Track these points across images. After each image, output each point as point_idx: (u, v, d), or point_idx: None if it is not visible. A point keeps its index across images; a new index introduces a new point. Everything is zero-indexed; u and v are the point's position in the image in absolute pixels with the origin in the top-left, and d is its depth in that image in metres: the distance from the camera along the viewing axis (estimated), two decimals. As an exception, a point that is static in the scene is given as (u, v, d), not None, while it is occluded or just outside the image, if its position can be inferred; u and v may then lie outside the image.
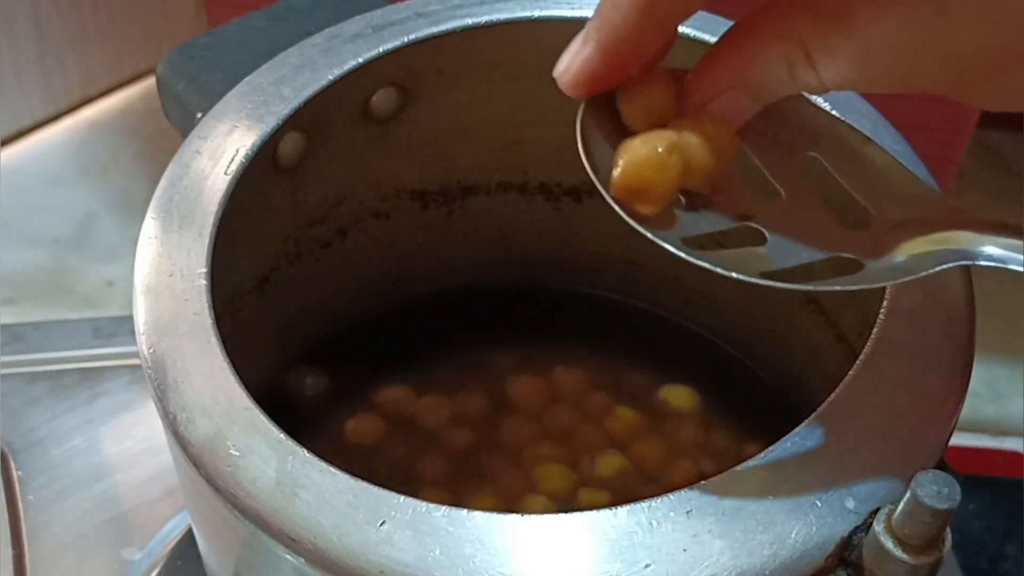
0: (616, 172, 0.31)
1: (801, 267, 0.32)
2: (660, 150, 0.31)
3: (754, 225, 0.32)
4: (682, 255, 0.31)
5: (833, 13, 0.28)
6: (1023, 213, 0.73)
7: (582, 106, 0.33)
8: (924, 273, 0.30)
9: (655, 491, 0.29)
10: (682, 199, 0.32)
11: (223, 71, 0.43)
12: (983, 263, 0.30)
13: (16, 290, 0.69)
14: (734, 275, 0.30)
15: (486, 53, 0.42)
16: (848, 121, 0.34)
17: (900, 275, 0.30)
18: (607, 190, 0.32)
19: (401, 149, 0.44)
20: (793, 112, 0.34)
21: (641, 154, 0.31)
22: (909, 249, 0.31)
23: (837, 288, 0.30)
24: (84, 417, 0.55)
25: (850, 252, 0.32)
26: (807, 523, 0.29)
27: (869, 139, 0.33)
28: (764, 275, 0.31)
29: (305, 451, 0.30)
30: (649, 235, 0.31)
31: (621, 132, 0.32)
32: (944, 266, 0.30)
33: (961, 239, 0.30)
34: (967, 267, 0.35)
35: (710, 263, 0.30)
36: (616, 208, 0.31)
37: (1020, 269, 0.29)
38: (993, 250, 0.29)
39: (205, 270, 0.34)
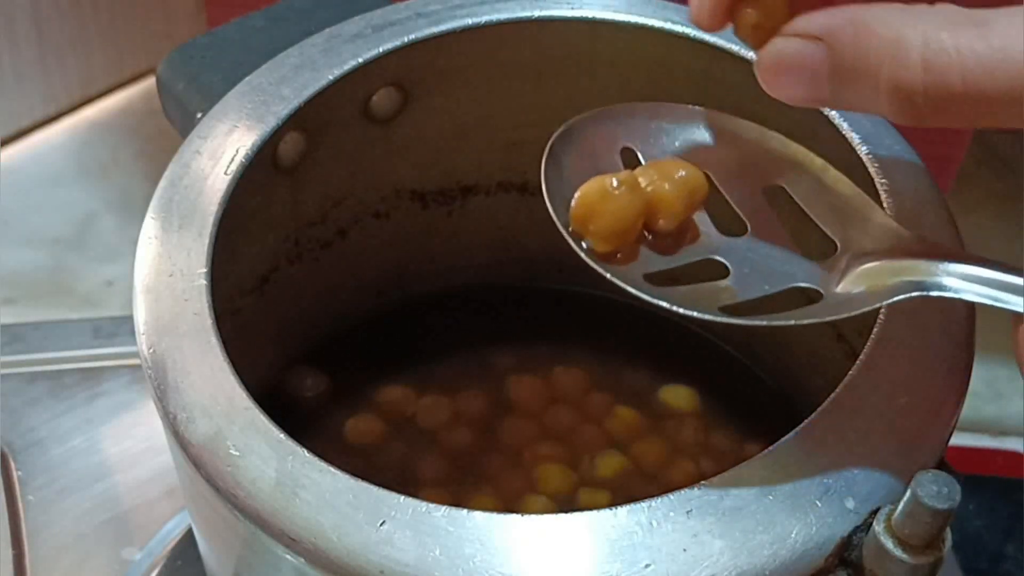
0: (572, 204, 0.32)
1: (764, 299, 0.32)
2: (613, 185, 0.32)
3: (718, 258, 0.33)
4: (639, 294, 0.31)
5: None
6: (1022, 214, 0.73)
7: (548, 146, 0.33)
8: (880, 304, 0.30)
9: (655, 491, 0.29)
10: (647, 235, 0.33)
11: (223, 71, 0.43)
12: (936, 294, 0.29)
13: (16, 290, 0.69)
14: (693, 314, 0.31)
15: (486, 53, 0.42)
16: (819, 146, 0.34)
17: (856, 307, 0.30)
18: (566, 228, 0.32)
19: (401, 149, 0.44)
20: (759, 142, 0.34)
21: (595, 188, 0.32)
22: (868, 279, 0.31)
23: (792, 323, 0.30)
24: (84, 417, 0.55)
25: (811, 283, 0.32)
26: (807, 523, 0.29)
27: (830, 167, 0.33)
28: (724, 310, 0.31)
29: (305, 451, 0.30)
30: (605, 272, 0.31)
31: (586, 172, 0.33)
32: (900, 297, 0.30)
33: (920, 269, 0.30)
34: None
35: (669, 302, 0.31)
36: (570, 242, 0.32)
37: (975, 300, 0.29)
38: (950, 281, 0.29)
39: (205, 270, 0.34)
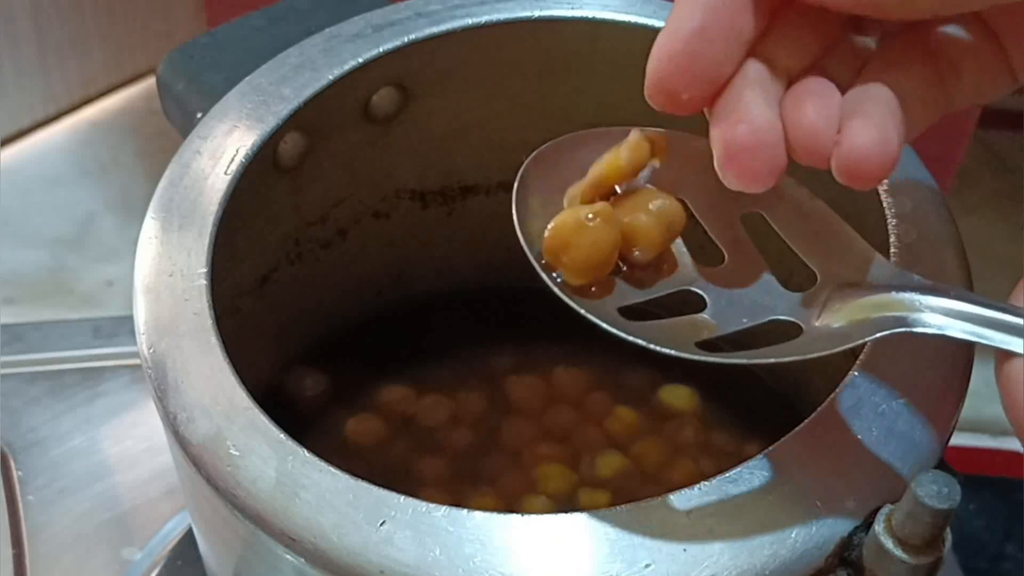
0: (545, 235, 0.31)
1: (743, 332, 0.31)
2: (588, 217, 0.31)
3: (695, 290, 0.32)
4: (613, 331, 0.30)
5: None
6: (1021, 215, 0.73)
7: (519, 174, 0.33)
8: (860, 341, 0.29)
9: (655, 491, 0.29)
10: (623, 266, 0.32)
11: (223, 71, 0.43)
12: (920, 330, 0.29)
13: (16, 290, 0.69)
14: (670, 352, 0.30)
15: (486, 53, 0.42)
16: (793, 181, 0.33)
17: (837, 343, 0.29)
18: (538, 260, 0.31)
19: (401, 149, 0.44)
20: None
21: (569, 220, 0.31)
22: (849, 314, 0.30)
23: (771, 360, 0.29)
24: (84, 417, 0.55)
25: (791, 316, 0.31)
26: (807, 523, 0.29)
27: (815, 196, 0.32)
28: (702, 345, 0.30)
29: (305, 451, 0.30)
30: (577, 308, 0.31)
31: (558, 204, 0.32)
32: (882, 334, 0.29)
33: (903, 304, 0.29)
34: (967, 268, 0.35)
35: (645, 339, 0.30)
36: (542, 274, 0.31)
37: (958, 336, 0.28)
38: (933, 317, 0.28)
39: (205, 270, 0.34)
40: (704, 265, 0.33)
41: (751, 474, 0.30)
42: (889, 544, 0.28)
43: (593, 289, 0.32)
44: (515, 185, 0.32)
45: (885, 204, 0.35)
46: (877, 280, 0.30)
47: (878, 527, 0.28)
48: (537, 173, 0.33)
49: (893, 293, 0.29)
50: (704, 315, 0.32)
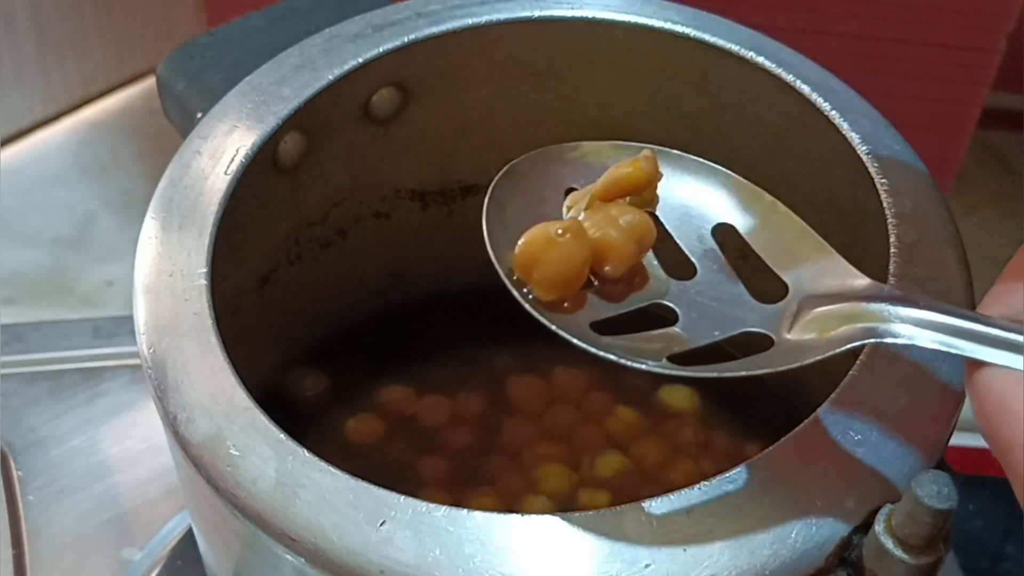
0: (516, 251, 0.32)
1: (714, 345, 0.31)
2: (558, 233, 0.31)
3: (666, 303, 0.32)
4: (585, 347, 0.30)
5: None
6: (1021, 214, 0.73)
7: (489, 189, 0.33)
8: (832, 353, 0.29)
9: (655, 491, 0.29)
10: (594, 280, 0.32)
11: (223, 71, 0.43)
12: (890, 341, 0.28)
13: (16, 290, 0.69)
14: (641, 366, 0.30)
15: (486, 53, 0.42)
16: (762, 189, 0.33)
17: (808, 356, 0.29)
18: (508, 276, 0.32)
19: (401, 149, 0.44)
20: (707, 180, 0.34)
21: (539, 236, 0.32)
22: (820, 326, 0.30)
23: (742, 373, 0.29)
24: (84, 417, 0.55)
25: (762, 328, 0.31)
26: (807, 523, 0.29)
27: (780, 204, 0.33)
28: (672, 359, 0.30)
29: (305, 451, 0.30)
30: (548, 324, 0.31)
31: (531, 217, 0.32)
32: (852, 345, 0.29)
33: (873, 314, 0.29)
34: (967, 267, 0.35)
35: (616, 354, 0.30)
36: (512, 290, 0.31)
37: (927, 346, 0.28)
38: (903, 328, 0.28)
39: (205, 270, 0.34)
40: (676, 278, 0.33)
41: (751, 474, 0.30)
42: (889, 544, 0.28)
43: (565, 304, 0.32)
44: (485, 200, 0.32)
45: (885, 204, 0.35)
46: (847, 291, 0.30)
47: (878, 527, 0.28)
48: (508, 187, 0.33)
49: (863, 304, 0.29)
50: (676, 329, 0.32)
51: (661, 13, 0.41)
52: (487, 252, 0.32)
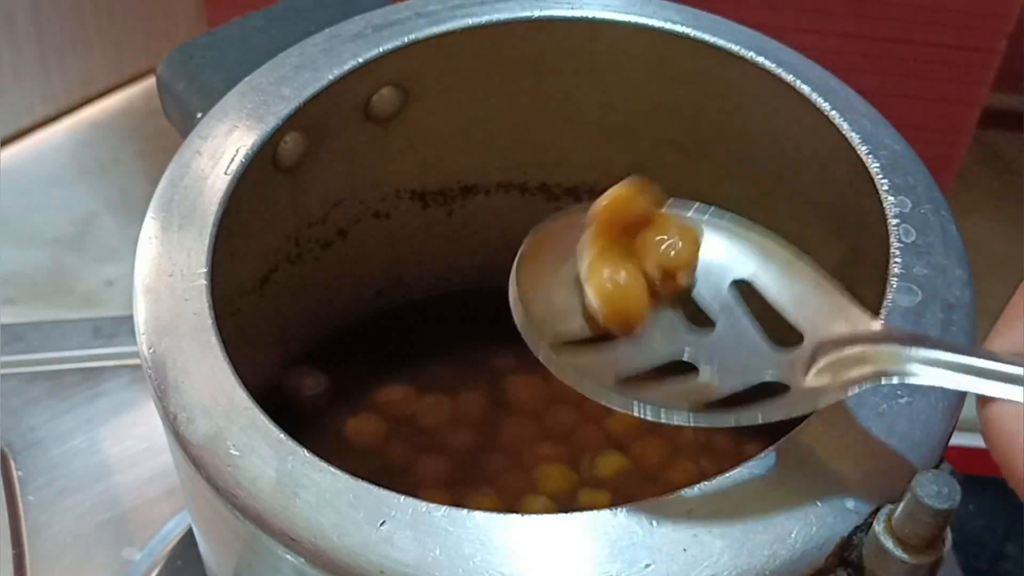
0: (600, 308, 0.34)
1: (737, 395, 0.32)
2: (624, 277, 0.34)
3: (687, 360, 0.33)
4: (619, 408, 0.31)
5: None
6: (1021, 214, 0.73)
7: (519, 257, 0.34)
8: (845, 395, 0.30)
9: (655, 491, 0.29)
10: (618, 336, 0.34)
11: (223, 71, 0.43)
12: (897, 380, 0.29)
13: (16, 290, 0.69)
14: (674, 422, 0.31)
15: (486, 53, 0.42)
16: (777, 238, 0.34)
17: (822, 402, 0.30)
18: (538, 341, 0.34)
19: (401, 149, 0.44)
20: (728, 233, 0.35)
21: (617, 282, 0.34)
22: (833, 370, 0.31)
23: (759, 421, 0.30)
24: (84, 417, 0.55)
25: (779, 378, 0.32)
26: (807, 523, 0.29)
27: (802, 254, 0.33)
28: (696, 410, 0.31)
29: (305, 451, 0.30)
30: (577, 387, 0.32)
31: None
32: (864, 387, 0.30)
33: (884, 356, 0.30)
34: (968, 266, 0.35)
35: (649, 413, 0.31)
36: (540, 355, 0.34)
37: (939, 384, 0.29)
38: (916, 368, 0.29)
39: (205, 270, 0.34)
40: (696, 326, 0.34)
41: (751, 474, 0.30)
42: (889, 544, 0.28)
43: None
44: (514, 265, 0.34)
45: (885, 204, 0.35)
46: (859, 335, 0.31)
47: (878, 527, 0.28)
48: (536, 250, 0.35)
49: (874, 346, 0.30)
50: (702, 379, 0.33)
51: (661, 13, 0.41)
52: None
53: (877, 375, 0.29)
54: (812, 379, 0.31)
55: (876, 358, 0.30)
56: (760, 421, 0.30)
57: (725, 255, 0.34)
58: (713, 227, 0.34)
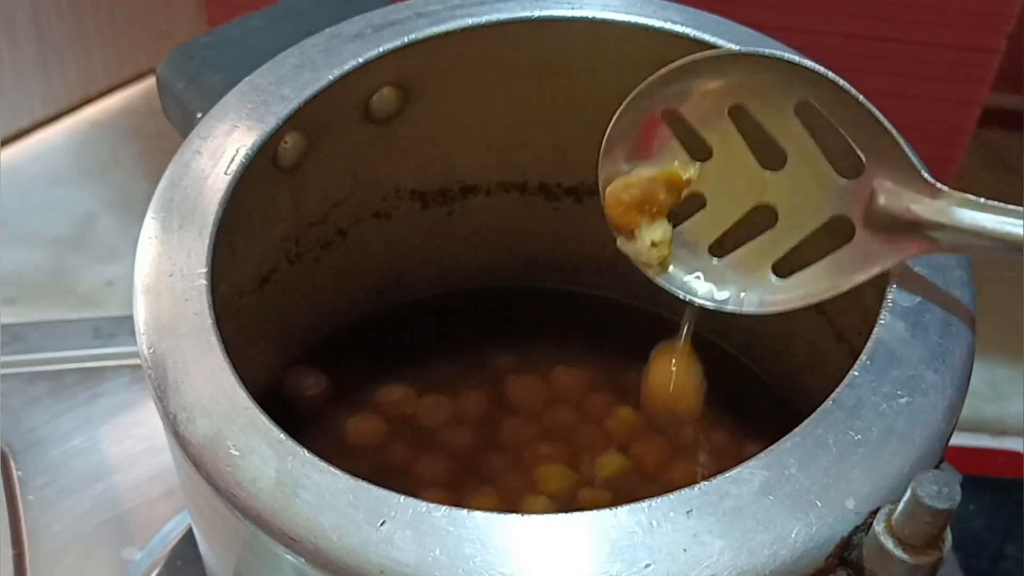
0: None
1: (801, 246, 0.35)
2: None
3: (765, 202, 0.36)
4: (683, 296, 0.37)
5: None
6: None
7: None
8: (894, 263, 0.33)
9: (655, 491, 0.29)
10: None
11: (223, 71, 0.43)
12: (951, 243, 0.32)
13: (16, 290, 0.69)
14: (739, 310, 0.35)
15: (486, 53, 0.42)
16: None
17: (874, 265, 0.33)
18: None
19: (401, 149, 0.44)
20: (779, 60, 0.36)
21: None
22: (887, 224, 0.33)
23: (829, 296, 0.33)
24: (84, 417, 0.55)
25: (845, 211, 0.34)
26: (807, 523, 0.29)
27: (850, 89, 0.35)
28: (778, 270, 0.34)
29: (305, 451, 0.30)
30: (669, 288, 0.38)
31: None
32: (912, 255, 0.32)
33: (932, 220, 0.32)
34: (968, 266, 0.35)
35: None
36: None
37: (987, 239, 0.31)
38: (962, 225, 0.32)
39: (205, 270, 0.34)
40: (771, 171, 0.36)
41: (751, 474, 0.30)
42: (889, 544, 0.28)
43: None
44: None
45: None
46: (913, 186, 0.33)
47: (878, 527, 0.28)
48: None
49: (928, 200, 0.33)
50: (770, 234, 0.36)
51: (661, 13, 0.41)
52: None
53: (926, 241, 0.32)
54: (871, 227, 0.33)
55: (928, 221, 0.32)
56: (829, 295, 0.34)
57: (783, 78, 0.35)
58: (766, 56, 0.36)
